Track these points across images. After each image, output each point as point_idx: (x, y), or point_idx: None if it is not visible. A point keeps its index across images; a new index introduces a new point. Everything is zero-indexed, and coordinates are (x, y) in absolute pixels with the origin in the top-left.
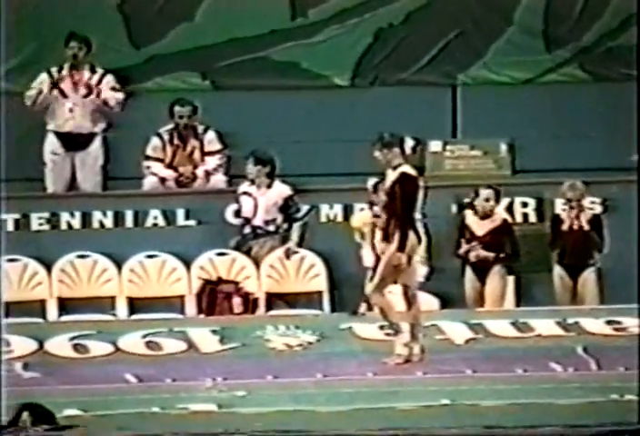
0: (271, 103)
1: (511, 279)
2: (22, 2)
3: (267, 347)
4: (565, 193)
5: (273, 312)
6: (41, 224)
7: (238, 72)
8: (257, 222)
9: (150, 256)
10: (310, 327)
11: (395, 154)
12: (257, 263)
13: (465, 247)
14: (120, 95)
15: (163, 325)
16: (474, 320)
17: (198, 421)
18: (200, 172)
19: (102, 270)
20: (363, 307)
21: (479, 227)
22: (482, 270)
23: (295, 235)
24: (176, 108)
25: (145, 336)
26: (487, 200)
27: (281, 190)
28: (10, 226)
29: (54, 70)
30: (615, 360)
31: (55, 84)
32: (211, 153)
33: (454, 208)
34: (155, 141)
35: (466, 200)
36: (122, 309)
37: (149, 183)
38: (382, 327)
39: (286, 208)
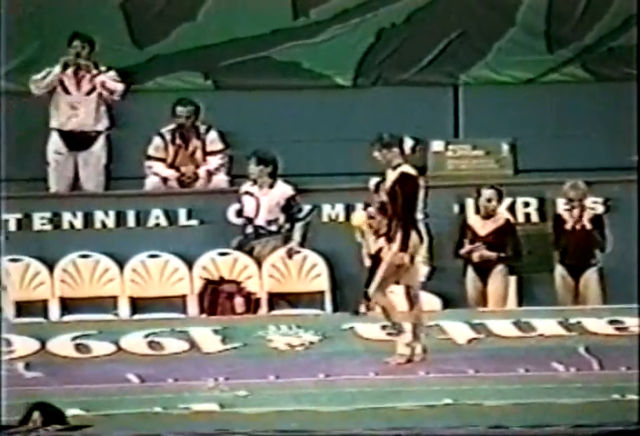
0: (273, 103)
1: (513, 279)
2: (23, 1)
3: (269, 347)
4: (567, 192)
5: (275, 312)
6: (43, 224)
7: (240, 72)
8: (259, 221)
9: (152, 256)
10: (312, 327)
11: (395, 154)
12: (259, 263)
13: (467, 247)
14: (121, 86)
15: (165, 325)
16: (476, 320)
17: (200, 421)
18: (202, 171)
19: (104, 270)
20: (363, 307)
21: (482, 227)
22: (484, 270)
23: (297, 235)
24: (178, 108)
25: (147, 336)
26: (489, 200)
27: (283, 190)
28: (12, 226)
29: (60, 66)
30: (617, 359)
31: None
32: (213, 153)
33: (456, 208)
34: (156, 141)
35: (470, 200)
36: (124, 309)
37: (151, 182)
38: (384, 327)
39: (288, 208)
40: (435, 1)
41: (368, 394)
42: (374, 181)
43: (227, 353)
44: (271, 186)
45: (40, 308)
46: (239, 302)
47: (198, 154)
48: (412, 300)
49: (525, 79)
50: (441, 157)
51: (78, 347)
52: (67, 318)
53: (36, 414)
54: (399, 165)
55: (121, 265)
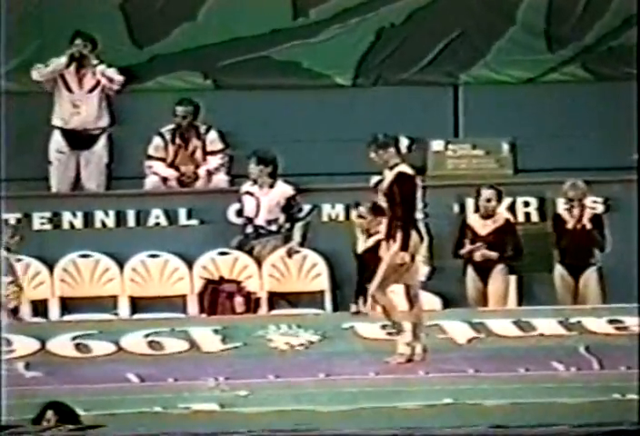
0: (273, 102)
1: (513, 278)
2: (23, 1)
3: (269, 346)
4: (567, 192)
5: (275, 312)
6: (43, 224)
7: (240, 71)
8: (259, 221)
9: (152, 256)
10: (312, 326)
11: (391, 155)
12: (259, 263)
13: (468, 247)
14: (121, 77)
15: (165, 325)
16: (476, 319)
17: (200, 421)
18: (202, 171)
19: (104, 269)
20: (362, 305)
21: (481, 227)
22: (484, 269)
23: (297, 235)
24: (178, 108)
25: (147, 336)
26: (489, 200)
27: (283, 189)
28: None
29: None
30: (617, 359)
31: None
32: (213, 153)
33: (456, 207)
34: (156, 140)
35: (470, 200)
36: (124, 308)
37: (151, 182)
38: (384, 326)
39: (289, 208)
40: (435, 1)
41: (368, 394)
42: (374, 180)
43: (227, 353)
44: (271, 186)
45: (40, 307)
46: (239, 301)
47: (198, 154)
48: (412, 299)
49: (525, 79)
50: (441, 157)
51: (78, 347)
52: (67, 318)
53: (50, 413)
54: (396, 165)
55: (121, 265)
